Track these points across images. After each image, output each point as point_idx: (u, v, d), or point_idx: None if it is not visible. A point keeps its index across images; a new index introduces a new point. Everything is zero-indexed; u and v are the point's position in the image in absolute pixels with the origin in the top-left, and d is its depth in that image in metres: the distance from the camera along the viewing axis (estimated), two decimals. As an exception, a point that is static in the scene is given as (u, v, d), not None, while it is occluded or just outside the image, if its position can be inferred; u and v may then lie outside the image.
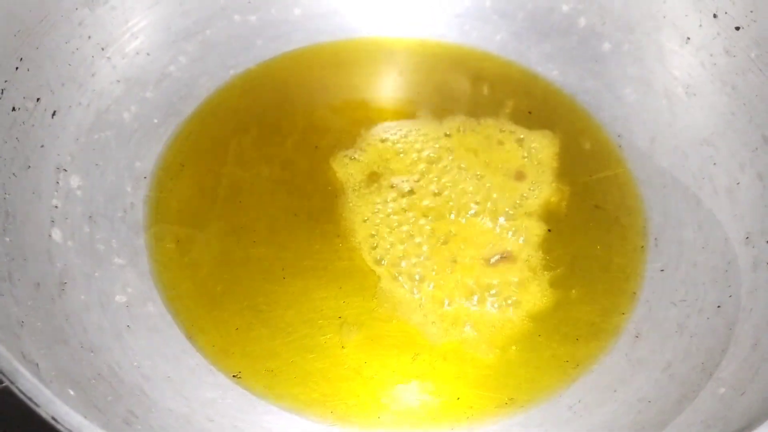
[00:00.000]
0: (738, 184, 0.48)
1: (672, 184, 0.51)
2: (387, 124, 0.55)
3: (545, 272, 0.47)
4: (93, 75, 0.51)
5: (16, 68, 0.45)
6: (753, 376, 0.38)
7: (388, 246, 0.48)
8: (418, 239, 0.48)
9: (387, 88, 0.58)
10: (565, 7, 0.58)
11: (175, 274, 0.47)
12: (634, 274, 0.48)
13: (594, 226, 0.50)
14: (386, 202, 0.50)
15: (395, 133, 0.54)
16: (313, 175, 0.52)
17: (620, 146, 0.54)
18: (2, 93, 0.43)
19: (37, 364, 0.33)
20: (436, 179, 0.51)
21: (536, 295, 0.46)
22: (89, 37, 0.51)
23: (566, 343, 0.44)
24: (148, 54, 0.55)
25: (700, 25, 0.51)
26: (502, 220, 0.49)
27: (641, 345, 0.44)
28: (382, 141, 0.54)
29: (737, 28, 0.49)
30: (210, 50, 0.57)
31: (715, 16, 0.50)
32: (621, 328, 0.45)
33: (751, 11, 0.48)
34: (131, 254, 0.47)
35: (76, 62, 0.50)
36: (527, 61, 0.59)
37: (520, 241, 0.49)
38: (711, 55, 0.51)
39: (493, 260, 0.47)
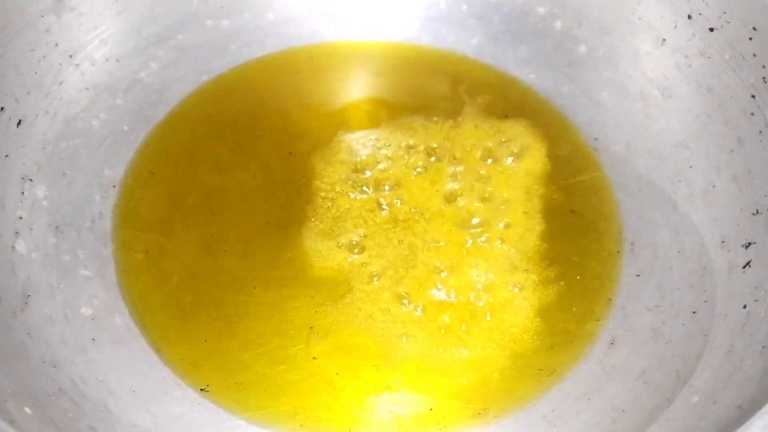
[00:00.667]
0: (714, 187, 0.47)
1: (648, 188, 0.51)
2: (362, 129, 0.54)
3: (520, 278, 0.47)
4: (60, 83, 0.50)
5: (-22, 78, 0.44)
6: (726, 384, 0.37)
7: (362, 255, 0.47)
8: (391, 248, 0.48)
9: (362, 92, 0.57)
10: (541, 10, 0.57)
11: (144, 285, 0.46)
12: (609, 279, 0.47)
13: (569, 231, 0.49)
14: (360, 209, 0.49)
15: (370, 139, 0.54)
16: (286, 183, 0.51)
17: (596, 150, 0.54)
18: (-37, 103, 0.42)
19: (-8, 383, 0.32)
20: (411, 186, 0.51)
21: (511, 302, 0.46)
22: (56, 44, 0.50)
23: (540, 351, 0.44)
24: (117, 60, 0.54)
25: (675, 27, 0.51)
26: (475, 220, 0.49)
27: (616, 352, 0.44)
28: (357, 146, 0.53)
29: (711, 30, 0.48)
30: (182, 56, 0.56)
31: (689, 17, 0.50)
32: (596, 334, 0.45)
33: (725, 12, 0.47)
34: (98, 265, 0.46)
35: (42, 70, 0.49)
36: (504, 64, 0.58)
37: (497, 245, 0.48)
38: (686, 57, 0.51)
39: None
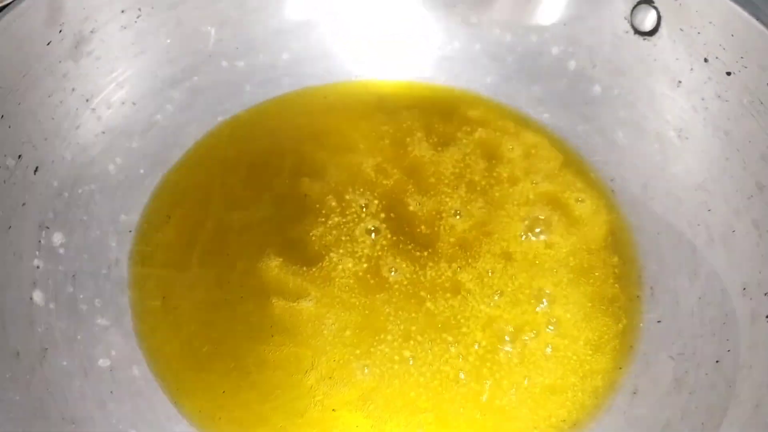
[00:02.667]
0: (733, 231, 0.47)
1: (666, 231, 0.50)
2: (379, 166, 0.54)
3: (540, 328, 0.46)
4: (77, 128, 0.50)
5: (-3, 127, 0.44)
6: (755, 442, 0.37)
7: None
8: (410, 285, 0.47)
9: (377, 131, 0.57)
10: (555, 50, 0.57)
11: (161, 334, 0.45)
12: (630, 325, 0.47)
13: (589, 276, 0.49)
14: (376, 249, 0.49)
15: (388, 178, 0.53)
16: (302, 226, 0.51)
17: (613, 191, 0.53)
18: (-19, 154, 0.42)
19: (12, 448, 0.32)
20: (431, 227, 0.51)
21: (533, 351, 0.45)
22: (73, 89, 0.50)
23: (563, 401, 0.43)
24: (134, 103, 0.54)
25: (692, 69, 0.51)
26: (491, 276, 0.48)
27: (639, 402, 0.43)
28: (375, 185, 0.53)
29: (728, 74, 0.48)
30: (197, 97, 0.57)
31: (705, 60, 0.50)
32: (618, 383, 0.44)
33: (741, 57, 0.47)
34: (115, 314, 0.46)
35: (59, 116, 0.49)
36: (518, 103, 0.58)
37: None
38: (703, 99, 0.50)
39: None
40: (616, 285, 0.48)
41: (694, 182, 0.50)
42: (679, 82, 0.52)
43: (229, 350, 0.45)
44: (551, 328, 0.46)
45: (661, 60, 0.52)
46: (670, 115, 0.53)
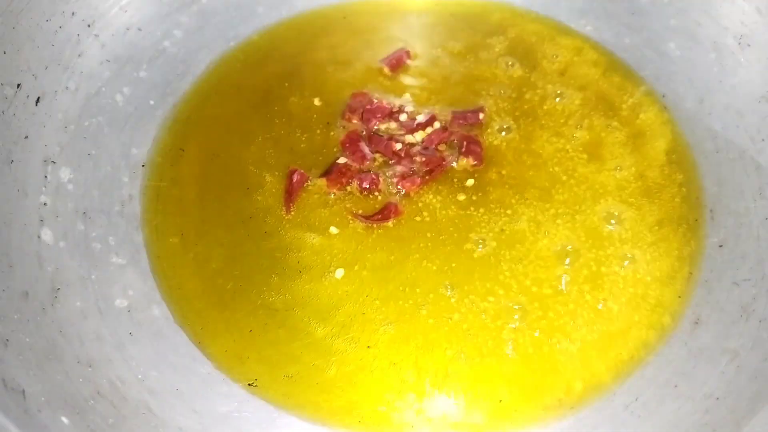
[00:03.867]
0: (803, 144, 0.42)
1: (726, 149, 0.46)
2: (407, 95, 0.50)
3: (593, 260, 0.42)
4: (79, 55, 0.46)
5: (-9, 52, 0.40)
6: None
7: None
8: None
9: (403, 54, 0.52)
10: (597, -47, 0.52)
11: (180, 272, 0.42)
12: (688, 251, 0.43)
13: (642, 199, 0.44)
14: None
15: (414, 100, 0.49)
16: (326, 154, 0.47)
17: (666, 107, 0.49)
18: (-25, 80, 0.39)
19: (23, 391, 0.29)
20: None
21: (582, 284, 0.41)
22: (73, 13, 0.46)
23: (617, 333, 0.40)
24: (139, 29, 0.50)
25: (755, -35, 0.45)
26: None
27: (702, 332, 0.40)
28: (402, 111, 0.49)
29: (801, -33, 0.43)
30: (207, 21, 0.52)
31: (772, -47, 0.44)
32: (678, 313, 0.40)
33: (817, -54, 0.42)
34: (131, 252, 0.43)
35: (59, 42, 0.45)
36: (557, 15, 0.53)
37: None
38: (769, -1, 0.45)
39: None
40: (673, 209, 0.44)
41: (757, 93, 0.46)
42: (741, -20, 0.46)
43: (255, 288, 0.42)
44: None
45: (720, -43, 0.47)
46: (729, 20, 0.47)
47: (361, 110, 0.48)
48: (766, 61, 0.45)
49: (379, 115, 0.48)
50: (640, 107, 0.48)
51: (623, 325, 0.40)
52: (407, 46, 0.52)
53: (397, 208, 0.44)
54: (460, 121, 0.48)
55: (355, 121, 0.48)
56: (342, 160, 0.46)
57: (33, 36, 0.43)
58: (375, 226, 0.43)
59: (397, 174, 0.45)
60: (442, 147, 0.47)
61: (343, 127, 0.48)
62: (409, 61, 0.51)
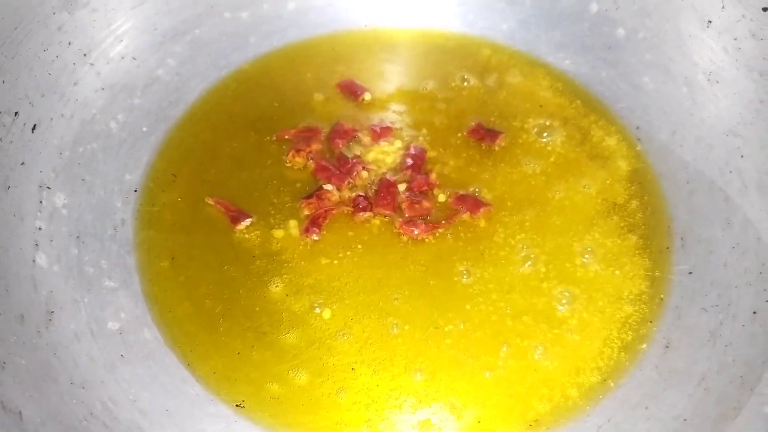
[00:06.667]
0: (769, 177, 0.45)
1: (697, 179, 0.48)
2: (390, 117, 0.52)
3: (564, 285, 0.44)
4: (75, 84, 0.48)
5: (-9, 81, 0.42)
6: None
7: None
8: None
9: (389, 82, 0.54)
10: (575, -9, 0.54)
11: (171, 295, 0.44)
12: (660, 278, 0.45)
13: (615, 228, 0.46)
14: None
15: (399, 127, 0.51)
16: (315, 181, 0.49)
17: (639, 139, 0.51)
18: (-25, 109, 0.40)
19: (20, 412, 0.30)
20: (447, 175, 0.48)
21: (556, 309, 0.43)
22: (69, 43, 0.47)
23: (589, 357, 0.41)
24: (133, 58, 0.51)
25: (723, 7, 0.48)
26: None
27: (672, 356, 0.41)
28: (391, 143, 0.51)
29: (765, 9, 0.45)
30: (200, 50, 0.54)
31: (739, -4, 0.47)
32: (649, 337, 0.42)
33: (779, -10, 0.44)
34: (123, 275, 0.44)
35: (56, 71, 0.47)
36: (536, 50, 0.55)
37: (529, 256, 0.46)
38: (735, 39, 0.48)
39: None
40: (645, 237, 0.46)
41: (725, 127, 0.48)
42: (709, 21, 0.49)
43: (242, 310, 0.43)
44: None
45: (690, -2, 0.49)
46: (699, 57, 0.50)
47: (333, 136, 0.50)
48: (733, 97, 0.48)
49: (343, 138, 0.50)
50: (613, 138, 0.51)
51: (596, 348, 0.42)
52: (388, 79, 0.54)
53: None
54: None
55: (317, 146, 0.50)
56: (328, 187, 0.48)
57: (31, 65, 0.45)
58: (360, 249, 0.45)
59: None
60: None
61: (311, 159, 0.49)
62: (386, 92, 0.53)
